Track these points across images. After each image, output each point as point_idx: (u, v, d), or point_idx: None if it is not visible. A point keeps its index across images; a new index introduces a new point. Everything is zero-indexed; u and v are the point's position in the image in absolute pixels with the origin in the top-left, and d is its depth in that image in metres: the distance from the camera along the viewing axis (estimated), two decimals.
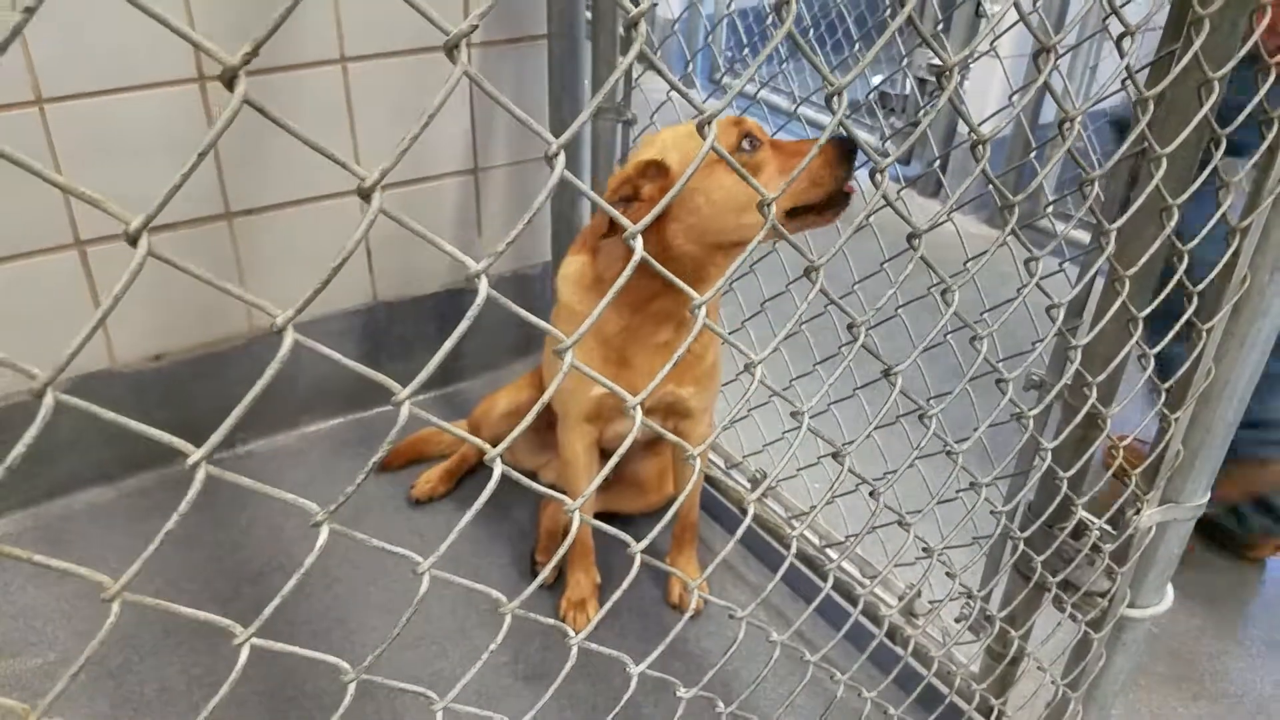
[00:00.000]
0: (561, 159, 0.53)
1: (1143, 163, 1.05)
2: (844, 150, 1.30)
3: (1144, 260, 1.06)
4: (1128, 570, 1.27)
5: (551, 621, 0.79)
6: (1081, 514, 1.27)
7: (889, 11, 3.20)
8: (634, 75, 1.93)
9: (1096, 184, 0.95)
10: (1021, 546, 1.30)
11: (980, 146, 0.82)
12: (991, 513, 1.28)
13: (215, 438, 0.48)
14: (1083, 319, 1.29)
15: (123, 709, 1.59)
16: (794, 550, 0.96)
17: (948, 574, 1.38)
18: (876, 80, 3.87)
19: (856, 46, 3.26)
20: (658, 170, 1.34)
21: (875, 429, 1.61)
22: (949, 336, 1.54)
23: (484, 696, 1.64)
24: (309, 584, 1.81)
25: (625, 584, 0.78)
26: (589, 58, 1.94)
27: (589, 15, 1.91)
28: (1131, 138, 0.98)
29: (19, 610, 1.75)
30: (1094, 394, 1.15)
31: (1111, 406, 1.19)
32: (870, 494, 1.13)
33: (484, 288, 0.54)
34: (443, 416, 2.21)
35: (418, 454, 2.09)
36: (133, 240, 0.41)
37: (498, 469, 0.63)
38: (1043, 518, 1.27)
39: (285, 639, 1.78)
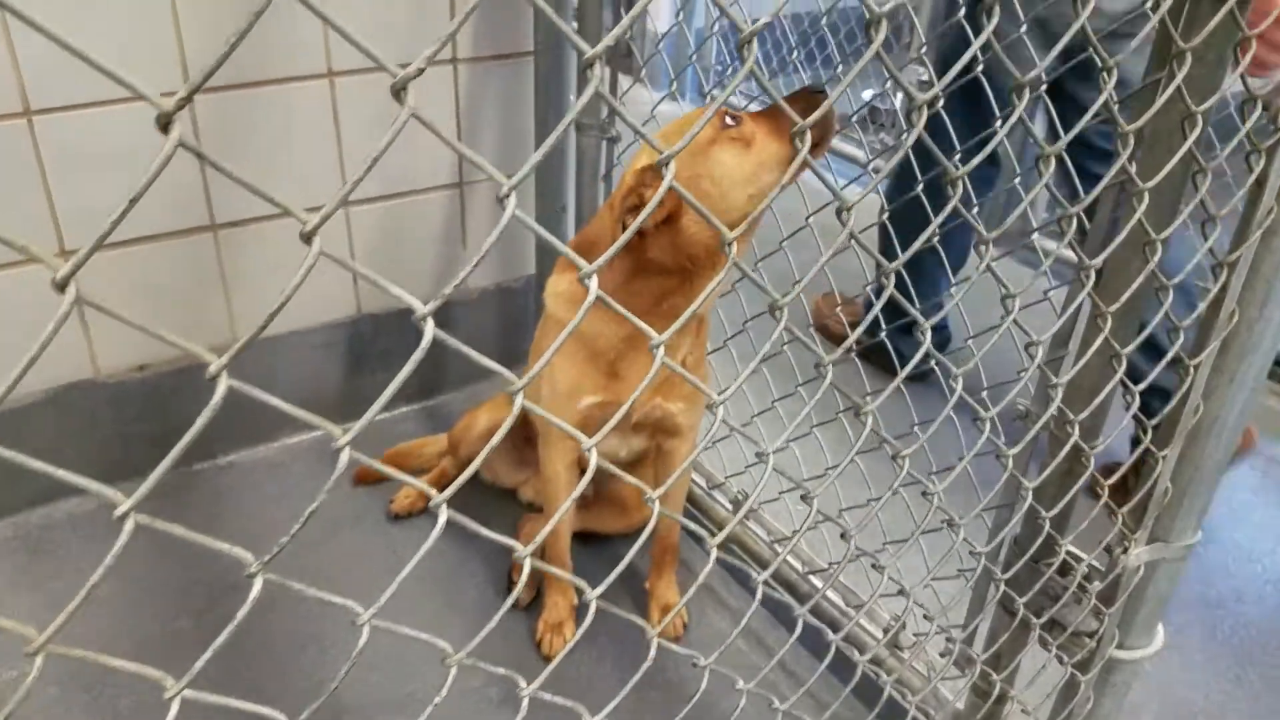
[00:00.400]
0: (513, 200, 0.52)
1: (1124, 195, 1.04)
2: (812, 98, 1.30)
3: (1127, 297, 1.04)
4: (1116, 610, 1.24)
5: (501, 674, 0.77)
6: (1067, 551, 1.25)
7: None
8: (618, 91, 1.92)
9: (1075, 219, 0.94)
10: (1003, 586, 1.28)
11: (953, 184, 0.81)
12: (971, 553, 1.26)
13: (143, 489, 0.47)
14: (1069, 349, 1.27)
15: None
16: (759, 597, 0.95)
17: (926, 616, 1.36)
18: (867, 95, 3.86)
19: (839, 68, 3.25)
20: (655, 174, 1.33)
21: (857, 453, 1.58)
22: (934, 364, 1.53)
23: (457, 718, 1.62)
24: (281, 600, 1.79)
25: (580, 630, 0.76)
26: (575, 74, 1.93)
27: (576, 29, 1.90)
28: (1114, 171, 0.96)
29: None
30: (1076, 431, 1.13)
31: (1096, 442, 1.17)
32: (842, 535, 1.11)
33: (429, 330, 0.53)
34: (424, 430, 2.20)
35: (397, 466, 2.07)
36: (60, 287, 0.40)
37: (442, 516, 0.61)
38: (1027, 555, 1.25)
39: (258, 656, 1.76)
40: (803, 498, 0.95)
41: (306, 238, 0.47)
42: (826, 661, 1.12)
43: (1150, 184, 0.96)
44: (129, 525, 0.47)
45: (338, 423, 0.49)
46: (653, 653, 0.92)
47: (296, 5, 0.44)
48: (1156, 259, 1.03)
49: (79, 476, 0.44)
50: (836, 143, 3.72)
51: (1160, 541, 1.18)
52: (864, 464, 1.67)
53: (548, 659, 1.73)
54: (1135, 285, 1.04)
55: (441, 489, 1.98)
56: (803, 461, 1.83)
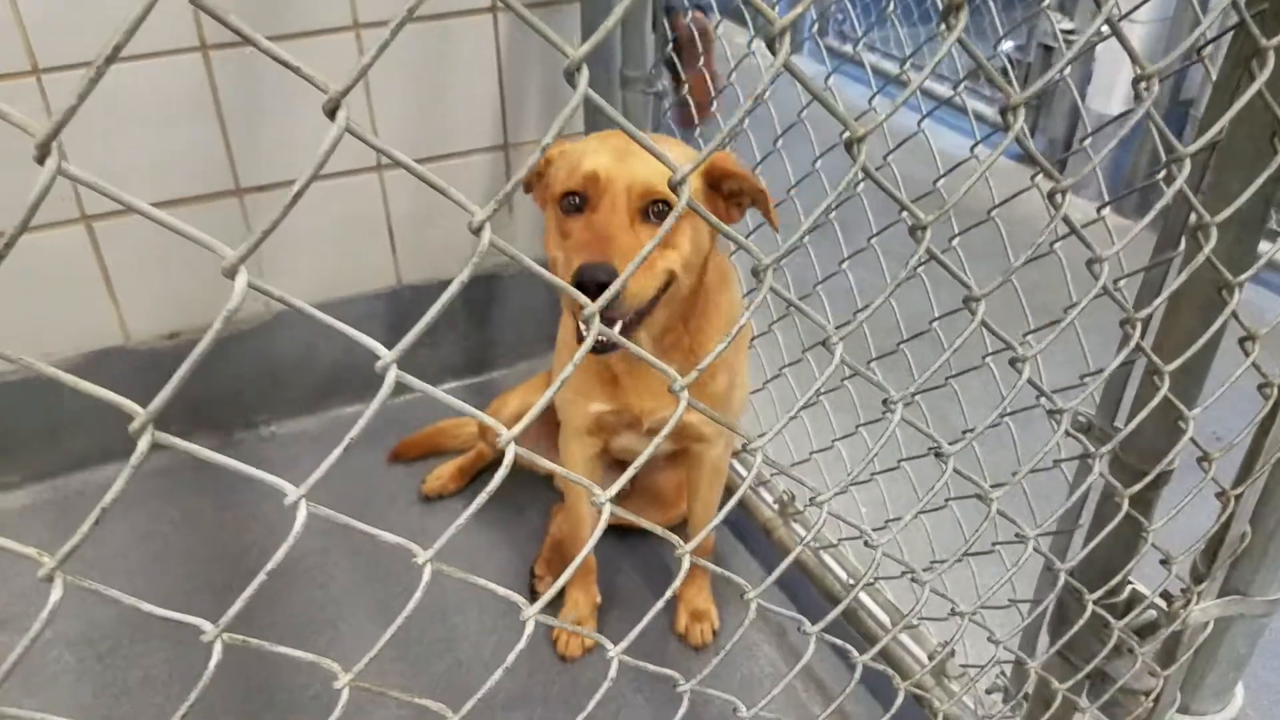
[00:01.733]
0: (486, 232, 0.47)
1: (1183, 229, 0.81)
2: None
3: (1193, 352, 0.81)
4: (1177, 670, 1.01)
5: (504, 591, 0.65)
6: (1132, 590, 1.03)
7: None
8: (665, 44, 1.74)
9: (1105, 264, 0.71)
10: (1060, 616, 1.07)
11: (1011, 111, 0.61)
12: (1049, 569, 1.05)
13: (161, 396, 0.42)
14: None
15: (103, 695, 1.55)
16: (811, 651, 0.78)
17: (991, 639, 1.15)
18: (1007, 46, 3.50)
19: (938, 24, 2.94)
20: None
21: (906, 459, 1.37)
22: (989, 359, 1.31)
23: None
24: (301, 580, 1.73)
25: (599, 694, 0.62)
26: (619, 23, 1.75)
27: None
28: (1167, 198, 0.73)
29: (29, 584, 1.74)
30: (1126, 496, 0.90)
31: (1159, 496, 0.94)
32: (911, 578, 0.93)
33: (391, 376, 0.48)
34: (472, 406, 2.10)
35: (434, 446, 1.98)
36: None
37: (510, 452, 0.55)
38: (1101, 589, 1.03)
39: (269, 638, 1.70)
40: (865, 543, 0.81)
41: (330, 112, 0.40)
42: (857, 675, 0.93)
43: (1220, 216, 0.73)
44: (144, 441, 0.42)
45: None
46: (683, 709, 0.79)
47: None
48: (1235, 302, 0.79)
49: (101, 389, 0.37)
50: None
51: (1237, 595, 0.95)
52: (912, 470, 1.47)
53: (563, 659, 1.61)
54: (1206, 337, 0.81)
55: (478, 472, 1.87)
56: (849, 461, 1.64)
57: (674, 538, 0.66)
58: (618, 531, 1.79)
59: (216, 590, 1.73)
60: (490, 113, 1.93)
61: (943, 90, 3.43)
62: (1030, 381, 0.73)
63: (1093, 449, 0.86)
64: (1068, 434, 0.92)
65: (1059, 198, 0.63)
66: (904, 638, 1.48)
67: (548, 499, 1.89)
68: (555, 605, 1.69)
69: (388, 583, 1.74)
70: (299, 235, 1.88)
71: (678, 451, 1.59)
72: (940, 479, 0.80)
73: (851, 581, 1.56)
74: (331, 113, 0.40)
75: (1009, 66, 3.39)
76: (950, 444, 0.79)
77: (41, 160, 0.36)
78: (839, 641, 0.94)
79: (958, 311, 1.22)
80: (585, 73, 0.45)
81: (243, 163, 1.77)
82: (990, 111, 3.34)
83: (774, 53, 0.49)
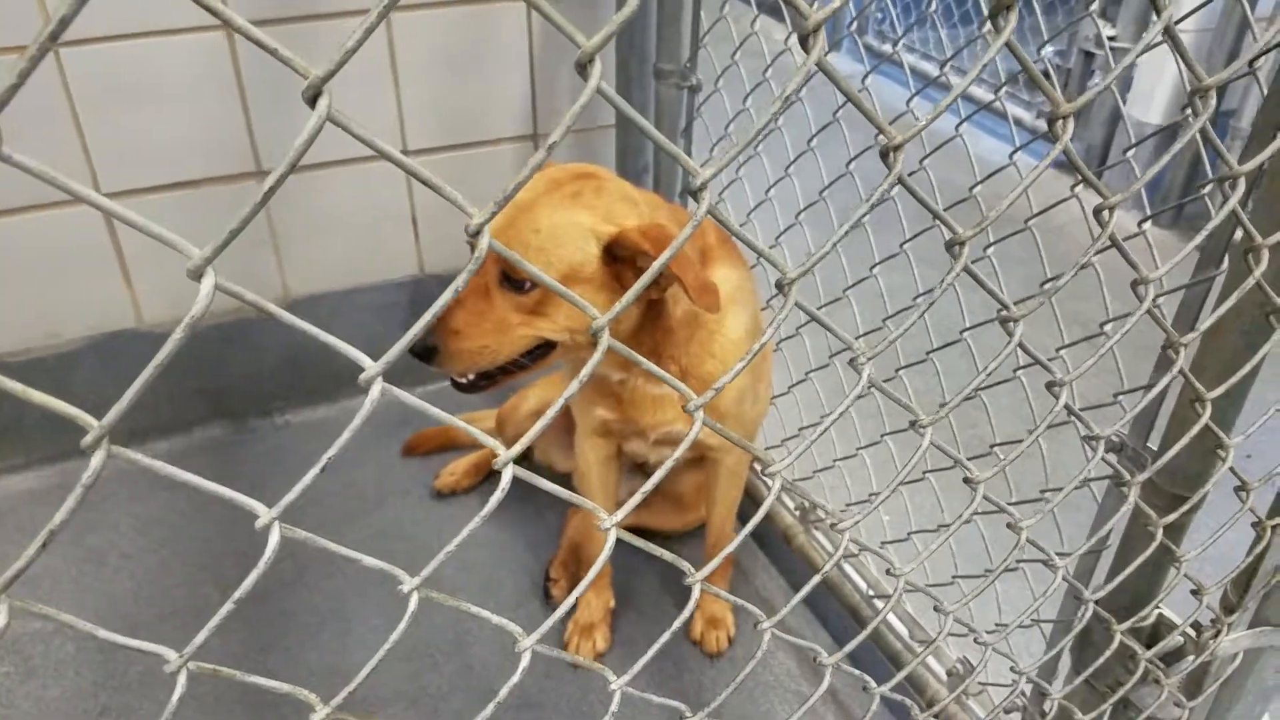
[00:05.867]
0: (597, 67, 0.43)
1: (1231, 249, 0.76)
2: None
3: (1236, 379, 0.76)
4: (1202, 702, 0.96)
5: (488, 614, 0.64)
6: (1160, 615, 0.98)
7: None
8: (700, 36, 1.69)
9: (1150, 287, 0.67)
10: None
11: (1060, 122, 0.56)
12: (1076, 598, 1.00)
13: (114, 411, 0.39)
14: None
15: (104, 687, 1.53)
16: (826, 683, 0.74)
17: (1014, 670, 1.11)
18: (1048, 51, 3.44)
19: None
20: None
21: (931, 471, 1.32)
22: (1019, 373, 1.26)
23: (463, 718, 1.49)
24: (307, 573, 1.70)
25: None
26: (655, 11, 1.70)
27: None
28: (1219, 218, 0.68)
29: (34, 569, 1.72)
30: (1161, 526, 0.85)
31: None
32: (935, 609, 0.89)
33: (376, 390, 0.46)
34: (488, 402, 2.06)
35: (448, 441, 1.95)
36: None
37: (507, 474, 0.54)
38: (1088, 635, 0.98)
39: (276, 629, 1.68)
40: (889, 571, 0.76)
41: (311, 99, 0.38)
42: (875, 704, 0.89)
43: (1273, 238, 0.68)
44: (98, 457, 0.40)
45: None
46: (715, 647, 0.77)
47: None
48: None
49: (52, 399, 0.38)
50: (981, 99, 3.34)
51: (1268, 626, 0.90)
52: (936, 481, 1.42)
53: (574, 664, 1.57)
54: (1251, 365, 0.76)
55: (491, 469, 1.83)
56: (872, 469, 1.60)
57: (685, 565, 0.63)
58: (639, 535, 1.75)
59: (224, 583, 1.70)
60: (521, 101, 1.89)
61: (981, 94, 3.38)
62: (1067, 408, 0.68)
63: (1128, 475, 0.81)
64: (1103, 459, 0.88)
65: (1105, 214, 0.59)
66: (930, 661, 1.43)
67: (566, 500, 1.85)
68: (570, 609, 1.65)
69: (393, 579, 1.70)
70: (320, 222, 1.85)
71: (695, 457, 1.55)
72: (969, 506, 0.75)
73: (871, 593, 1.52)
74: (312, 100, 0.37)
75: (1050, 71, 3.33)
76: (978, 467, 0.75)
77: None
78: (856, 672, 0.90)
79: (989, 322, 1.17)
80: (598, 66, 0.42)
81: (264, 144, 1.74)
82: (1027, 116, 3.28)
83: (807, 50, 0.45)
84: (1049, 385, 0.72)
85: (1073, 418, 0.77)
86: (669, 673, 1.58)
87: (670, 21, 1.66)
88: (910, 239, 1.37)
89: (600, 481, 1.50)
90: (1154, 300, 0.69)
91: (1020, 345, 0.65)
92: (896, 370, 1.44)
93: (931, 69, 3.53)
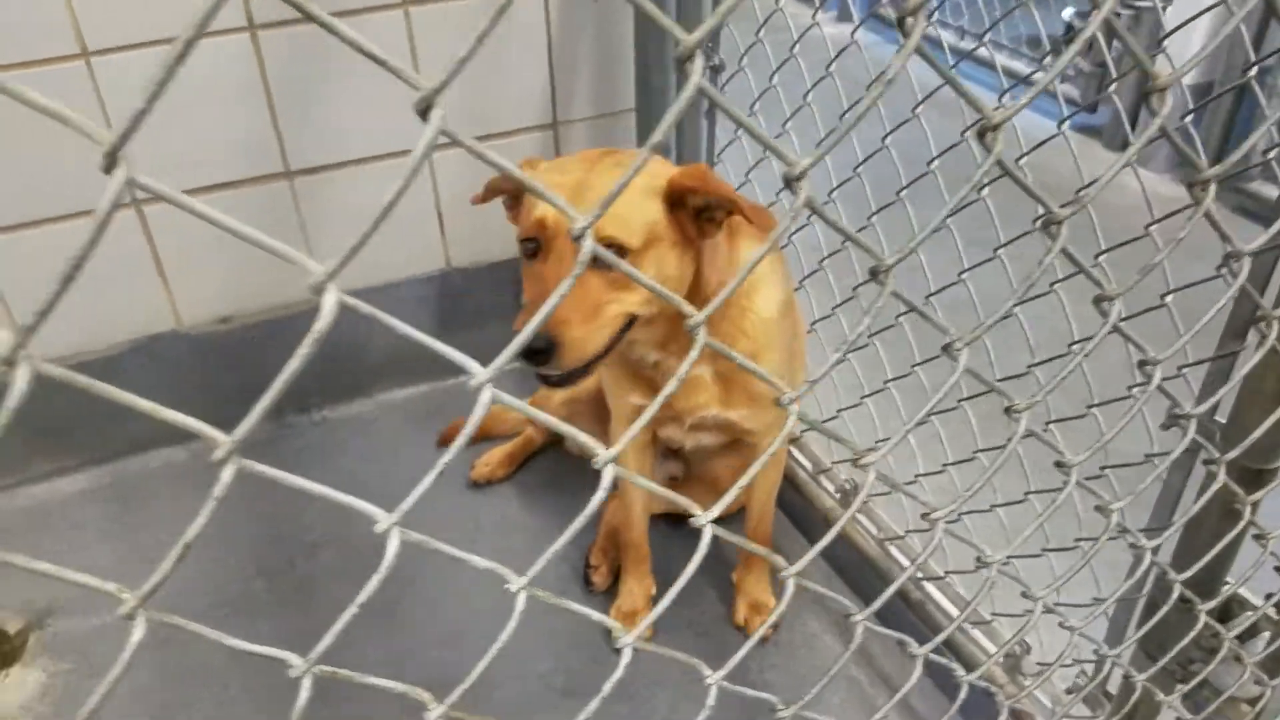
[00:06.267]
0: (699, 61, 0.43)
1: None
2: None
3: None
4: None
5: (599, 616, 0.66)
6: (1233, 595, 0.97)
7: None
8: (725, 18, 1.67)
9: (1246, 261, 0.65)
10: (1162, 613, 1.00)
11: (1156, 96, 0.55)
12: (1163, 579, 0.99)
13: (244, 426, 0.41)
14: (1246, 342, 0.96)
15: (160, 679, 1.55)
16: (858, 639, 0.73)
17: (1067, 631, 1.09)
18: (1067, 14, 3.37)
19: None
20: None
21: (980, 452, 1.31)
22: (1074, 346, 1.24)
23: (518, 708, 1.50)
24: (354, 564, 1.72)
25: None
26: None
27: None
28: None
29: (84, 568, 1.75)
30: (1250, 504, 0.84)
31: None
32: (978, 560, 0.88)
33: (486, 396, 0.46)
34: (523, 391, 2.07)
35: (483, 431, 1.95)
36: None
37: (608, 473, 0.55)
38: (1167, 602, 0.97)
39: (328, 624, 1.69)
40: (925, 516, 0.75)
41: (423, 111, 0.38)
42: (918, 671, 0.88)
43: None
44: (228, 471, 0.40)
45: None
46: (759, 633, 0.78)
47: None
48: None
49: (180, 415, 0.40)
50: (1008, 64, 3.28)
51: None
52: (984, 459, 1.41)
53: (618, 650, 1.58)
54: None
55: (526, 459, 1.85)
56: (917, 453, 1.58)
57: (695, 506, 0.62)
58: (673, 521, 1.75)
59: (273, 573, 1.72)
60: (540, 90, 1.88)
61: (1018, 67, 3.33)
62: (1161, 388, 0.67)
63: (1217, 453, 0.80)
64: (1193, 440, 0.86)
65: (1199, 190, 0.57)
66: (977, 634, 1.42)
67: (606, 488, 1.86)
68: (610, 595, 1.66)
69: (449, 565, 1.71)
70: (345, 220, 1.85)
71: (732, 441, 1.55)
72: (1064, 493, 0.74)
73: (920, 575, 1.51)
74: (424, 112, 0.37)
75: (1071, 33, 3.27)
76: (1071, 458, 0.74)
77: (109, 170, 0.33)
78: (891, 632, 0.89)
79: (1040, 297, 1.16)
80: (700, 61, 0.43)
81: (291, 145, 1.74)
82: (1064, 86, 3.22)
83: (906, 33, 0.44)
84: (1140, 364, 0.71)
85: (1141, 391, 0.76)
86: (714, 653, 1.57)
87: (691, 5, 1.64)
88: (951, 213, 1.34)
89: (636, 468, 1.51)
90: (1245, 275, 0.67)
91: (1116, 328, 0.64)
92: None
93: (951, 37, 3.48)
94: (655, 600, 1.62)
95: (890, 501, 1.65)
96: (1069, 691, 1.31)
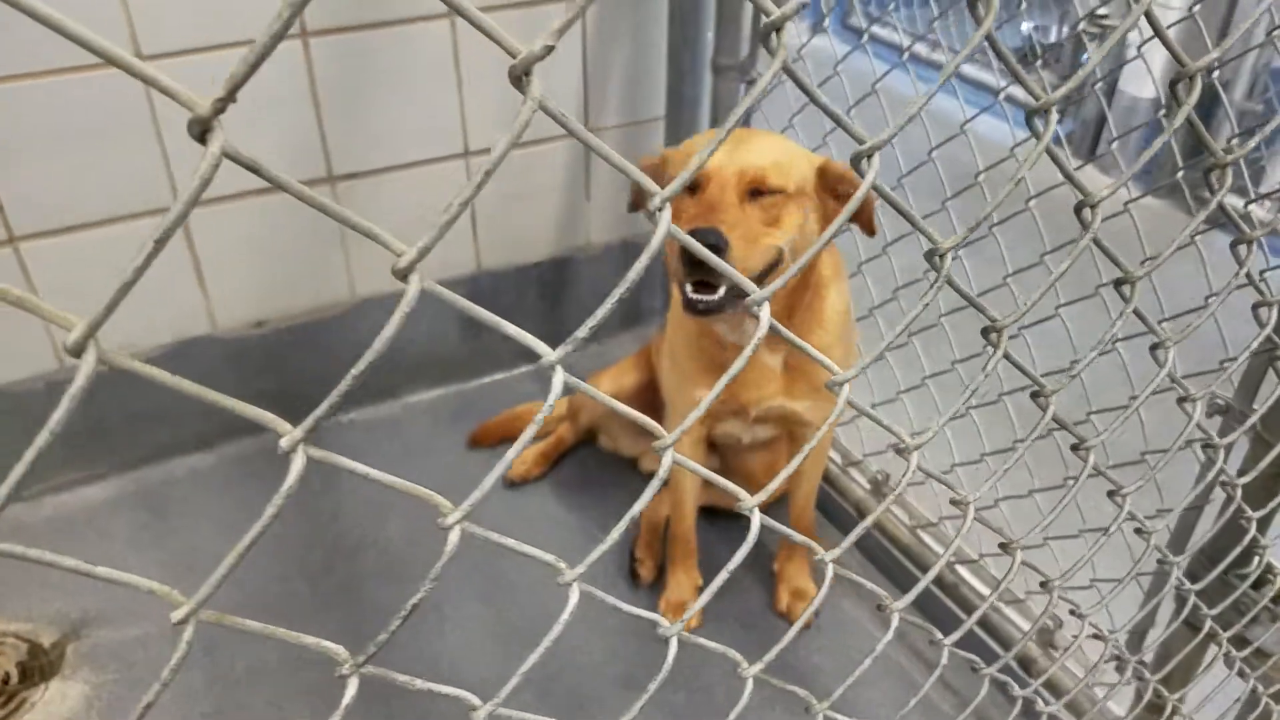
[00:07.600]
0: (666, 213, 0.46)
1: None
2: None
3: None
4: None
5: (646, 614, 0.68)
6: (1268, 564, 1.08)
7: None
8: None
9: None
10: (1192, 598, 1.11)
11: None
12: (1160, 562, 1.09)
13: (312, 418, 0.42)
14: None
15: (213, 684, 1.56)
16: (894, 628, 0.79)
17: (1095, 634, 1.20)
18: (1025, 27, 3.54)
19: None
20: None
21: (1022, 441, 1.40)
22: (1116, 344, 1.35)
23: (574, 698, 1.55)
24: (396, 566, 1.75)
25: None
26: (714, 6, 1.76)
27: None
28: None
29: (129, 586, 1.74)
30: None
31: None
32: (1003, 546, 0.96)
33: (559, 379, 0.47)
34: (542, 391, 2.11)
35: (513, 431, 1.99)
36: None
37: (668, 458, 0.56)
38: (1219, 566, 1.08)
39: (374, 624, 1.72)
40: (1001, 545, 0.82)
41: (401, 275, 0.41)
42: (944, 658, 0.95)
43: None
44: (298, 459, 0.41)
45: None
46: (802, 620, 0.80)
47: None
48: None
49: (251, 407, 0.41)
50: (974, 73, 3.43)
51: None
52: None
53: (666, 641, 1.64)
54: None
55: (560, 457, 1.89)
56: (953, 444, 1.68)
57: (741, 492, 0.65)
58: (718, 514, 1.82)
59: (311, 576, 1.74)
60: (573, 97, 1.94)
61: (988, 79, 3.47)
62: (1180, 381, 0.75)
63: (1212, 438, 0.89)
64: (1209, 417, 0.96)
65: (1242, 249, 0.63)
66: (1011, 613, 1.52)
67: (635, 484, 1.91)
68: (657, 588, 1.72)
69: (496, 562, 1.75)
70: (384, 226, 1.87)
71: (777, 435, 1.62)
72: (1119, 516, 0.81)
73: (954, 559, 1.61)
74: (518, 80, 0.36)
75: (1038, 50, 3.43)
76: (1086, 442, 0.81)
77: (202, 139, 0.33)
78: (922, 624, 0.94)
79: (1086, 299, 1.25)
80: (787, 32, 0.44)
81: (336, 149, 1.77)
82: (1021, 94, 3.38)
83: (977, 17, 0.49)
84: (1153, 348, 0.79)
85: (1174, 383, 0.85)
86: (759, 641, 1.64)
87: (730, 19, 1.72)
88: (997, 222, 1.44)
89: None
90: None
91: (1136, 311, 0.70)
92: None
93: (913, 43, 3.61)
94: (701, 590, 1.69)
95: (919, 492, 1.75)
96: (1106, 661, 1.41)
